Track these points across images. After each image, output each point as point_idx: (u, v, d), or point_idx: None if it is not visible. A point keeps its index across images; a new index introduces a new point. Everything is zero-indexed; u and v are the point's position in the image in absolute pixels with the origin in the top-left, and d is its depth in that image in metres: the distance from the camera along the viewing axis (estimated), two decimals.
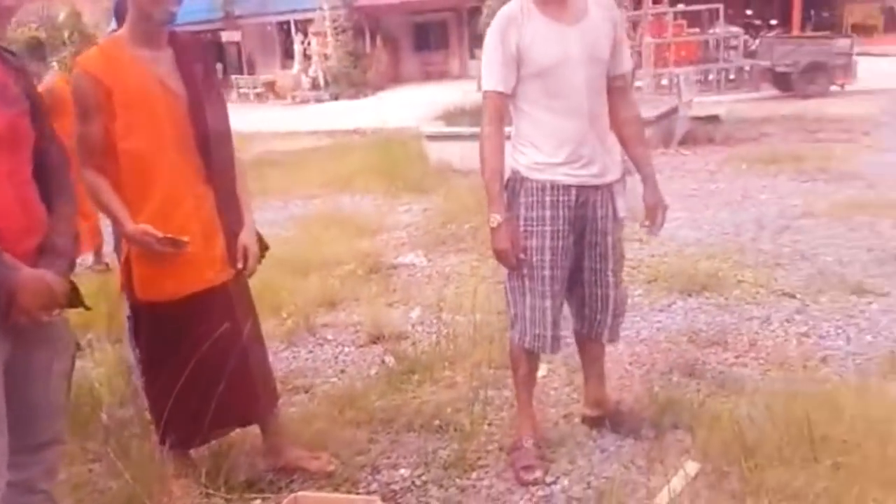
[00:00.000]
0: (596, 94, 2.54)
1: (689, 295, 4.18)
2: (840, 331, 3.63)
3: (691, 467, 2.54)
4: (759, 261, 4.67)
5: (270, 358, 2.75)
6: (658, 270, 4.55)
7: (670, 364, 3.34)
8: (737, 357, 3.42)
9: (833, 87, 12.99)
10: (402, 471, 2.64)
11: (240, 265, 2.41)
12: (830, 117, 10.05)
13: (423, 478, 2.59)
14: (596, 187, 2.56)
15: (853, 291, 4.07)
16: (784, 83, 13.42)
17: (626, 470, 2.59)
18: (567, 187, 2.53)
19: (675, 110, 8.71)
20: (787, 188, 6.43)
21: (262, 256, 2.51)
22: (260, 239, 2.51)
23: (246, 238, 2.44)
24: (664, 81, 12.04)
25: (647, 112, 8.78)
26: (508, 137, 2.56)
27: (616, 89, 2.62)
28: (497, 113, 2.51)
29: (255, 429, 2.61)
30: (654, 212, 2.67)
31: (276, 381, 2.72)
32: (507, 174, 2.57)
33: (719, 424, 2.69)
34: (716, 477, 2.49)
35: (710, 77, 14.26)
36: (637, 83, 11.84)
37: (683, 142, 8.37)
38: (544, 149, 2.52)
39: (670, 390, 3.04)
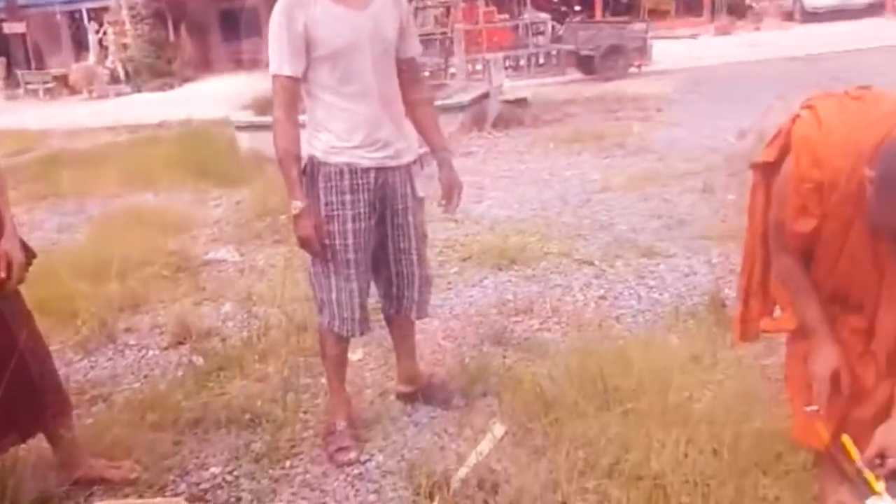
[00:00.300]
0: (386, 78, 2.58)
1: (500, 269, 4.36)
2: (632, 291, 3.94)
3: (498, 429, 2.67)
4: (562, 233, 4.95)
5: (63, 368, 2.59)
6: (471, 248, 4.71)
7: (481, 336, 3.47)
8: (541, 323, 3.62)
9: (631, 69, 13.92)
10: (213, 469, 2.58)
11: (2, 274, 2.24)
12: (629, 97, 10.78)
13: (235, 473, 2.55)
14: (394, 168, 2.60)
15: (644, 255, 4.41)
16: (587, 66, 14.23)
17: (439, 439, 2.68)
18: (365, 170, 2.55)
19: (486, 95, 9.01)
20: (589, 164, 6.84)
21: (29, 264, 2.34)
22: (25, 246, 2.34)
23: (7, 245, 2.27)
24: (478, 66, 12.40)
25: (460, 97, 9.05)
26: (303, 125, 2.55)
27: (406, 73, 2.67)
28: (287, 96, 2.49)
29: (42, 442, 2.44)
30: (451, 191, 2.75)
31: (67, 391, 2.55)
32: (304, 160, 2.56)
33: (523, 387, 2.84)
34: (521, 435, 2.63)
35: (521, 62, 14.85)
36: (451, 69, 12.14)
37: (495, 124, 8.69)
38: (339, 133, 2.53)
39: (480, 360, 3.17)
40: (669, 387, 2.79)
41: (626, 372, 2.90)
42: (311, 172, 2.56)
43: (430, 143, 2.75)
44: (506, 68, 12.61)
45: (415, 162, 2.65)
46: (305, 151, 2.56)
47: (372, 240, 2.60)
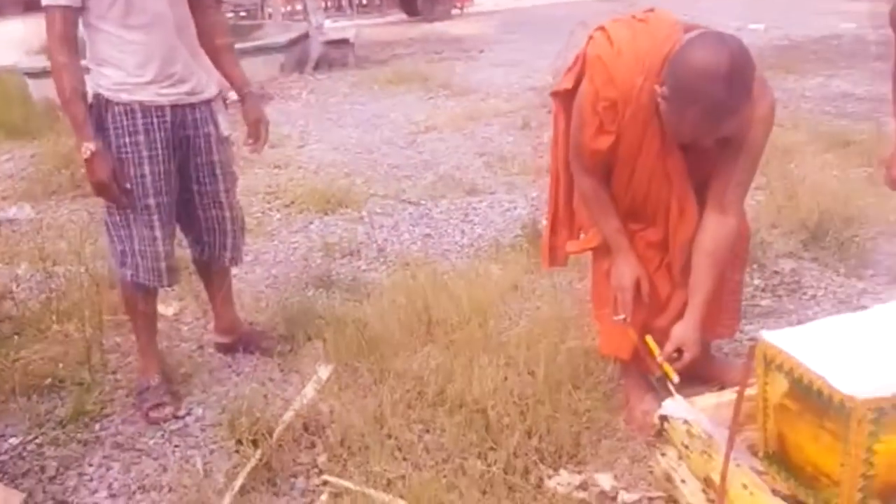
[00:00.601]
0: (178, 6, 2.39)
1: (326, 213, 4.28)
2: (456, 228, 4.00)
3: (324, 371, 2.63)
4: (388, 174, 4.93)
5: None
6: (295, 193, 4.58)
7: (305, 281, 3.40)
8: (368, 264, 3.59)
9: (454, 10, 13.97)
10: (12, 440, 2.36)
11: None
12: (452, 38, 10.82)
13: (37, 441, 2.35)
14: (193, 105, 2.44)
15: (468, 193, 4.49)
16: (410, 7, 14.09)
17: (262, 387, 2.61)
18: (160, 107, 2.37)
19: (306, 35, 8.71)
20: (414, 105, 6.82)
21: None
22: None
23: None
24: (298, 7, 11.96)
25: (278, 37, 8.69)
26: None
27: (199, 4, 2.49)
28: (64, 28, 2.25)
29: None
30: (257, 128, 2.63)
31: None
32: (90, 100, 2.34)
33: (349, 328, 2.81)
34: (348, 375, 2.61)
35: (343, 2, 14.49)
36: (268, 10, 11.64)
37: (317, 66, 8.44)
38: (128, 68, 2.33)
39: (304, 304, 3.11)
40: (490, 315, 2.87)
41: (450, 305, 2.95)
42: (98, 112, 2.34)
43: (229, 76, 2.61)
44: (326, 9, 12.24)
45: (215, 98, 2.50)
46: (90, 89, 2.34)
47: (175, 183, 2.43)
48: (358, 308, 3.06)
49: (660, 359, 2.07)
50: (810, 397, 1.66)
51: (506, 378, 2.47)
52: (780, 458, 1.81)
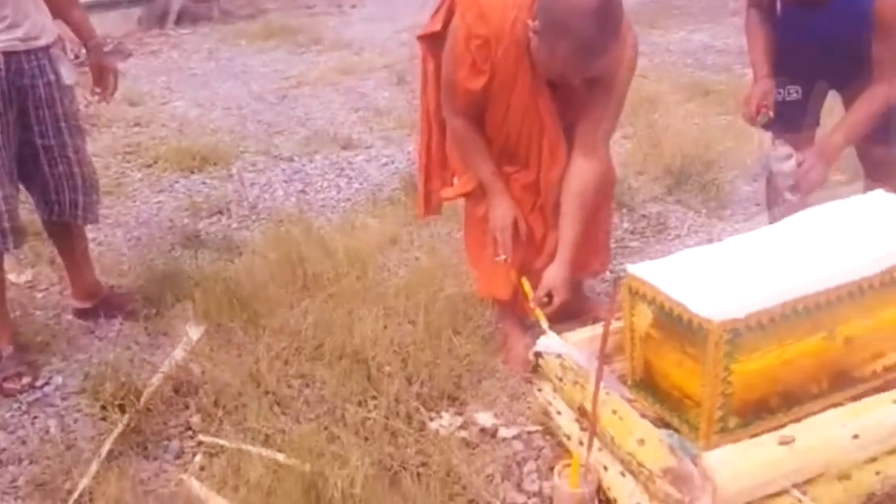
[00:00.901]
0: None
1: (192, 172, 4.08)
2: (332, 183, 3.91)
3: (194, 332, 2.53)
4: (259, 131, 4.75)
5: None
6: (158, 152, 4.33)
7: (171, 241, 3.25)
8: (239, 222, 3.47)
9: None
10: None
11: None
12: None
13: None
14: (29, 52, 2.24)
15: (343, 147, 4.39)
16: None
17: (128, 351, 2.48)
18: None
19: None
20: (285, 61, 6.59)
21: None
22: None
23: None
24: None
25: None
26: None
27: None
28: None
29: None
30: (103, 76, 2.45)
31: None
32: None
33: (219, 287, 2.70)
34: (221, 335, 2.52)
35: None
36: None
37: (179, 21, 7.98)
38: None
39: (171, 265, 2.97)
40: (367, 267, 2.84)
41: (327, 259, 2.89)
42: None
43: (73, 27, 2.41)
44: None
45: (54, 44, 2.30)
46: None
47: (13, 137, 2.24)
48: (229, 267, 2.95)
49: (532, 303, 2.11)
50: (673, 324, 1.73)
51: (385, 327, 2.46)
52: (647, 385, 1.89)
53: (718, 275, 1.78)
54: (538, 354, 2.01)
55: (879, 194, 2.08)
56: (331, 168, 4.10)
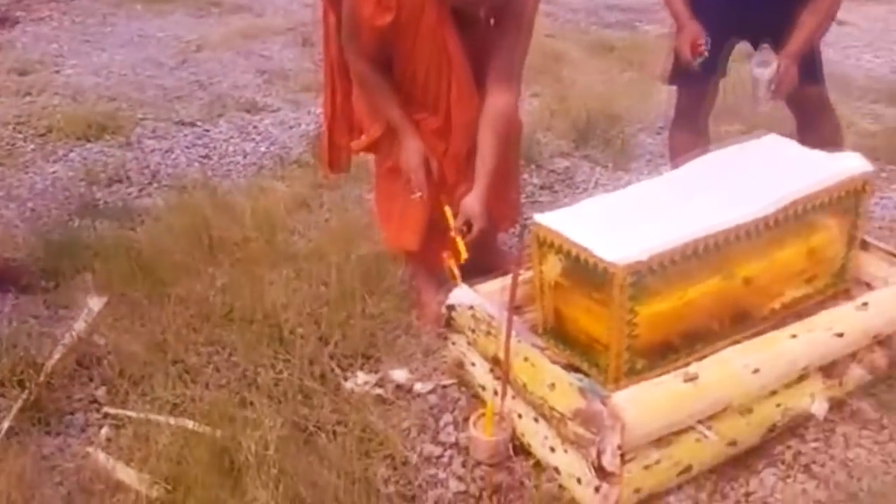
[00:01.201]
0: None
1: (89, 140, 3.88)
2: (238, 147, 3.79)
3: (96, 303, 2.42)
4: (158, 96, 4.54)
5: None
6: (52, 121, 4.10)
7: (69, 211, 3.09)
8: (140, 190, 3.33)
9: None
10: None
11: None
12: None
13: None
14: None
15: (248, 111, 4.26)
16: None
17: (26, 324, 2.36)
18: None
19: None
20: (184, 25, 6.32)
21: None
22: None
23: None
24: None
25: None
26: None
27: None
28: None
29: None
30: None
31: None
32: None
33: (120, 256, 2.60)
34: (124, 305, 2.42)
35: None
36: None
37: None
38: None
39: (68, 236, 2.83)
40: (275, 230, 2.78)
41: (234, 224, 2.82)
42: None
43: None
44: None
45: None
46: None
47: None
48: (131, 235, 2.84)
49: (453, 232, 2.07)
50: (580, 271, 1.76)
51: (296, 290, 2.42)
52: (557, 332, 1.92)
53: (622, 221, 1.82)
54: (451, 307, 2.02)
55: (774, 138, 2.16)
56: (236, 132, 3.98)
